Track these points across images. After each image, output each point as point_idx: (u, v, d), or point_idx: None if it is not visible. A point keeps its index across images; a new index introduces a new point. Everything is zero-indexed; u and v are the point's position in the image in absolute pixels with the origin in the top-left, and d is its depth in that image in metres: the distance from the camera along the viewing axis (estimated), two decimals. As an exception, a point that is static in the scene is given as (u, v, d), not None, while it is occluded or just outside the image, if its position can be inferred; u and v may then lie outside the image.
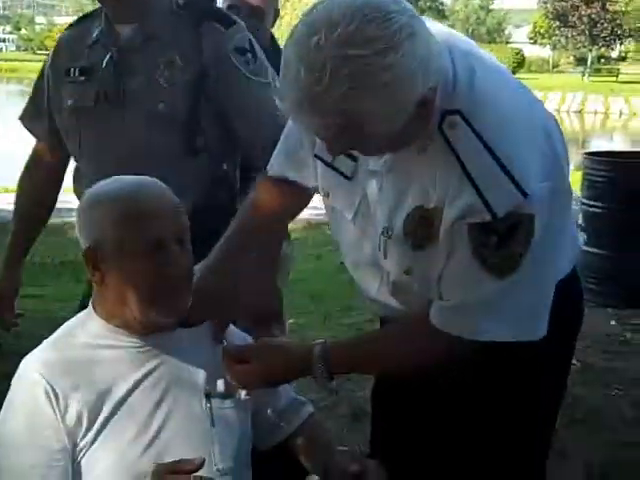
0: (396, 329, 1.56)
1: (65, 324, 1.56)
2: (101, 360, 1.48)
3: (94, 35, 2.10)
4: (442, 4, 56.83)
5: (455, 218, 1.34)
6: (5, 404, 1.46)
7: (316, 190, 1.64)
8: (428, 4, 53.85)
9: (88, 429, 1.42)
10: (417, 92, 1.22)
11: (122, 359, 1.49)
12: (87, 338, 1.50)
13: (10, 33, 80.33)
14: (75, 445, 1.42)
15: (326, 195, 1.59)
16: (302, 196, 1.71)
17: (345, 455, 1.52)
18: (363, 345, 1.56)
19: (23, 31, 78.67)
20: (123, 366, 1.48)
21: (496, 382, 1.56)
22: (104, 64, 2.04)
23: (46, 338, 1.52)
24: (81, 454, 1.43)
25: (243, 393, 1.54)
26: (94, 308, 1.53)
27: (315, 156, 1.56)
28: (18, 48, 73.11)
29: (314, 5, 1.24)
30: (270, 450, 1.63)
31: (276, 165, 1.70)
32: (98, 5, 2.11)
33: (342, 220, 1.57)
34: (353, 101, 1.19)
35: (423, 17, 1.30)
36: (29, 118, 2.28)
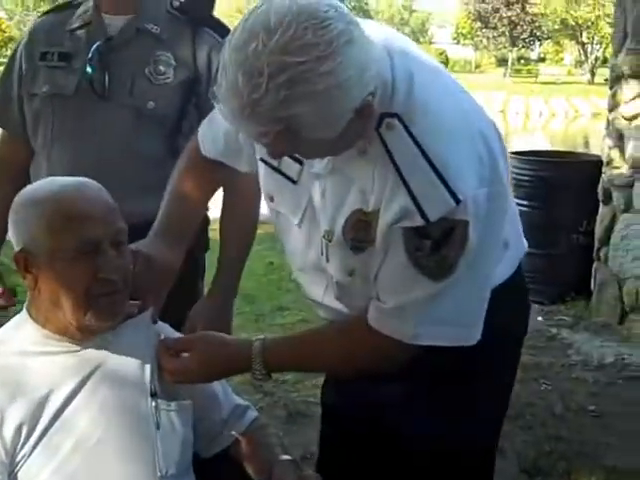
0: (336, 328, 1.56)
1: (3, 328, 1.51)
2: (37, 367, 1.43)
3: (77, 22, 2.04)
4: (366, 4, 57.22)
5: (390, 222, 1.34)
6: None
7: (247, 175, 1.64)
8: (353, 4, 54.12)
9: (26, 440, 1.38)
10: (356, 98, 1.22)
11: (59, 365, 1.44)
12: (22, 344, 1.46)
13: None
14: (13, 457, 1.38)
15: (270, 199, 1.57)
16: (230, 174, 1.70)
17: (288, 467, 1.51)
18: (302, 343, 1.55)
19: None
20: (60, 373, 1.44)
21: (439, 389, 1.56)
22: (90, 53, 1.97)
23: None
24: (18, 466, 1.39)
25: (186, 399, 1.52)
26: (28, 313, 1.49)
27: (260, 160, 1.55)
28: None
29: (252, 10, 1.23)
30: (212, 456, 1.61)
31: (208, 145, 1.67)
32: None
33: (288, 224, 1.56)
34: (291, 108, 1.18)
35: (360, 18, 1.30)
36: None
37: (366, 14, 55.87)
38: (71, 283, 1.41)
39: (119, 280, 1.44)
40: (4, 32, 52.96)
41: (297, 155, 1.44)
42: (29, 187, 1.51)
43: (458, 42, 56.18)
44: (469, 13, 48.70)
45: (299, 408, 3.39)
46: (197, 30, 2.01)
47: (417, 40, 63.28)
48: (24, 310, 1.50)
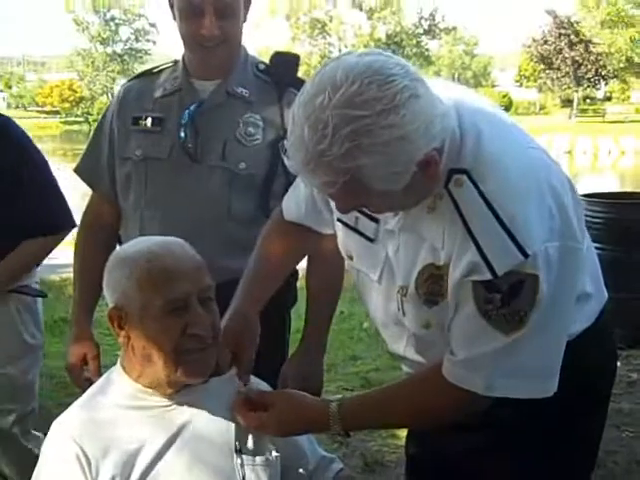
0: (410, 382, 1.58)
1: (94, 384, 1.57)
2: (131, 421, 1.48)
3: (168, 88, 2.10)
4: (427, 50, 57.55)
5: (460, 276, 1.37)
6: (36, 470, 1.47)
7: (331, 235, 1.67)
8: (414, 50, 54.50)
9: None
10: (419, 152, 1.26)
11: (151, 419, 1.49)
12: (117, 398, 1.51)
13: (1, 91, 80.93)
14: None
15: (350, 258, 1.61)
16: (315, 238, 1.74)
17: None
18: (378, 401, 1.57)
19: (14, 89, 79.26)
20: (152, 428, 1.48)
21: (521, 439, 1.56)
22: (184, 118, 2.03)
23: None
24: None
25: (274, 452, 1.55)
26: (122, 367, 1.54)
27: (338, 220, 1.60)
28: (9, 105, 73.60)
29: (322, 67, 1.30)
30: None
31: (291, 209, 1.73)
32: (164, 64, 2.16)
33: (368, 281, 1.59)
34: (355, 159, 1.23)
35: (434, 78, 1.37)
36: (87, 169, 2.23)
37: (427, 60, 56.20)
38: (161, 340, 1.46)
39: (208, 336, 1.48)
40: (75, 92, 54.87)
41: (367, 211, 1.47)
42: (122, 247, 1.58)
43: (521, 85, 55.94)
44: (532, 55, 48.50)
45: (375, 457, 3.37)
46: (283, 91, 2.06)
47: (479, 84, 63.25)
48: (118, 364, 1.56)
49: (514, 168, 1.36)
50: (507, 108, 40.12)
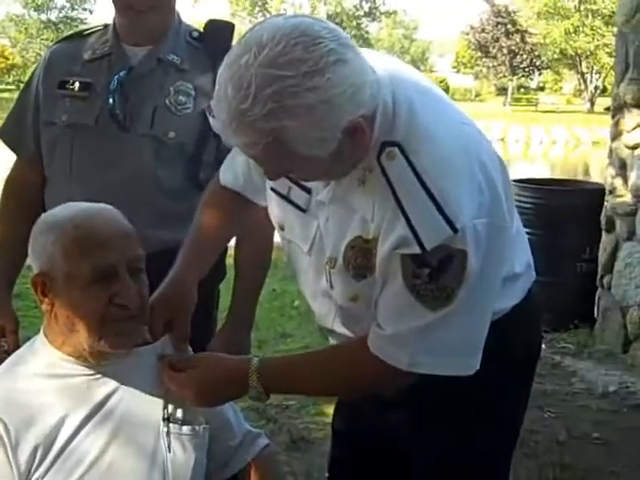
0: (336, 349, 1.57)
1: (15, 353, 1.53)
2: (52, 390, 1.44)
3: (97, 52, 2.04)
4: (367, 32, 57.58)
5: (389, 249, 1.36)
6: None
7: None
8: (353, 32, 54.47)
9: (40, 462, 1.39)
10: (344, 118, 1.25)
11: (75, 389, 1.45)
12: (38, 367, 1.47)
13: None
14: (27, 479, 1.39)
15: (281, 228, 1.60)
16: (252, 209, 1.72)
17: None
18: (301, 363, 1.56)
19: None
20: (75, 397, 1.45)
21: (448, 407, 1.57)
22: (112, 84, 1.97)
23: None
24: None
25: (203, 424, 1.52)
26: (45, 336, 1.50)
27: (271, 189, 1.57)
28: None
29: (250, 28, 1.29)
30: (222, 481, 1.61)
31: (228, 177, 1.70)
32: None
33: (298, 252, 1.57)
34: (277, 120, 1.22)
35: (361, 47, 1.34)
36: (11, 134, 2.16)
37: (366, 42, 56.25)
38: (86, 308, 1.42)
39: (135, 306, 1.44)
40: (7, 59, 53.28)
41: (298, 180, 1.46)
42: (48, 212, 1.52)
43: (458, 71, 56.56)
44: (469, 42, 49.06)
45: (302, 434, 3.39)
46: (217, 59, 2.02)
47: (417, 69, 63.66)
48: (41, 333, 1.51)
49: (447, 143, 1.35)
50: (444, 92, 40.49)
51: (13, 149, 2.17)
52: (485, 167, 1.37)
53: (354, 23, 53.78)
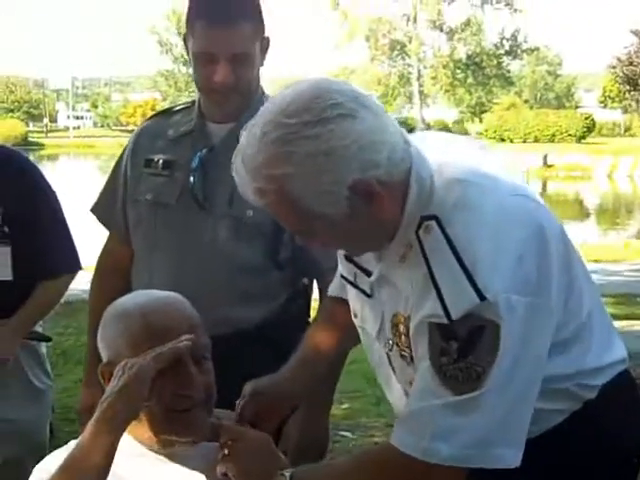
0: (363, 455, 1.49)
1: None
2: (125, 467, 1.42)
3: (181, 129, 2.07)
4: (509, 71, 56.81)
5: (418, 321, 1.30)
6: None
7: None
8: (494, 71, 53.89)
9: None
10: (349, 174, 1.24)
11: (143, 468, 1.44)
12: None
13: (88, 111, 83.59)
14: None
15: (355, 315, 1.56)
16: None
17: None
18: (331, 476, 1.44)
19: (100, 108, 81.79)
20: (146, 476, 1.44)
21: None
22: (194, 162, 1.99)
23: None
24: None
25: None
26: None
27: (342, 277, 1.56)
28: (95, 125, 75.93)
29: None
30: None
31: (334, 287, 1.71)
32: (186, 98, 2.17)
33: (369, 339, 1.52)
34: (279, 167, 1.24)
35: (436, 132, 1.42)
36: (103, 209, 2.21)
37: (507, 81, 55.53)
38: (153, 400, 1.39)
39: (199, 398, 1.42)
40: (159, 112, 56.13)
41: (359, 263, 1.46)
42: (117, 301, 1.52)
43: (605, 105, 54.74)
44: (616, 76, 47.51)
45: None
46: None
47: (562, 105, 62.16)
48: None
49: (488, 213, 1.29)
50: (590, 130, 39.23)
51: (105, 224, 2.22)
52: (537, 243, 1.29)
53: (495, 62, 53.21)
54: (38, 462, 2.28)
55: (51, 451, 2.39)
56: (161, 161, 2.05)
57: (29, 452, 2.34)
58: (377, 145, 1.26)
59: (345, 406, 4.36)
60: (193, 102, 2.12)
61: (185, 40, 2.02)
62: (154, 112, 2.34)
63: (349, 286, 1.55)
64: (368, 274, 1.46)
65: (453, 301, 1.25)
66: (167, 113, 2.18)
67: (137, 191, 2.08)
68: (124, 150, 2.18)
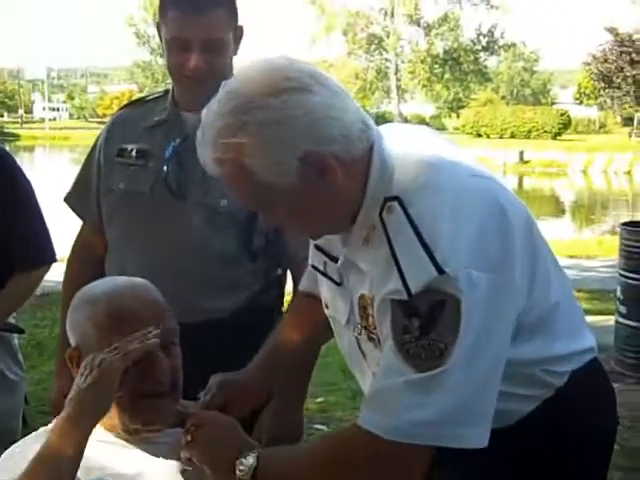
0: (329, 437, 1.53)
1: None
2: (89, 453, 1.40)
3: (155, 118, 2.06)
4: (485, 67, 57.01)
5: (380, 299, 1.31)
6: None
7: None
8: (471, 67, 54.08)
9: None
10: (300, 144, 1.28)
11: (107, 454, 1.44)
12: None
13: (64, 102, 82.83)
14: None
15: (326, 306, 1.56)
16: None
17: None
18: (294, 463, 1.42)
19: (76, 100, 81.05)
20: (111, 462, 1.43)
21: None
22: (168, 152, 1.98)
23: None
24: None
25: None
26: None
27: (312, 266, 1.57)
28: (71, 116, 75.26)
29: None
30: None
31: (303, 280, 1.73)
32: (156, 88, 2.16)
33: (340, 329, 1.52)
34: (234, 135, 1.28)
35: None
36: (75, 198, 2.20)
37: (484, 77, 55.75)
38: (119, 385, 1.39)
39: (167, 382, 1.43)
40: (135, 104, 55.66)
41: (324, 248, 1.48)
42: (85, 287, 1.53)
43: (581, 102, 55.13)
44: (591, 73, 47.83)
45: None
46: None
47: (538, 101, 62.51)
48: None
49: (449, 192, 1.32)
50: (566, 126, 39.45)
51: (78, 214, 2.22)
52: (498, 221, 1.31)
53: (472, 58, 53.38)
54: None
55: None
56: (135, 150, 2.04)
57: (1, 443, 2.33)
58: (331, 121, 1.29)
59: (320, 399, 4.37)
60: (166, 91, 2.11)
61: (158, 28, 2.01)
62: (127, 102, 2.32)
63: (320, 276, 1.56)
64: (335, 261, 1.47)
65: (412, 276, 1.26)
66: (140, 102, 2.18)
67: (110, 181, 2.07)
68: (97, 139, 2.17)
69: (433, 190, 1.33)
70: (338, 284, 1.48)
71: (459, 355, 1.25)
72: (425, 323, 1.26)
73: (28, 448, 1.38)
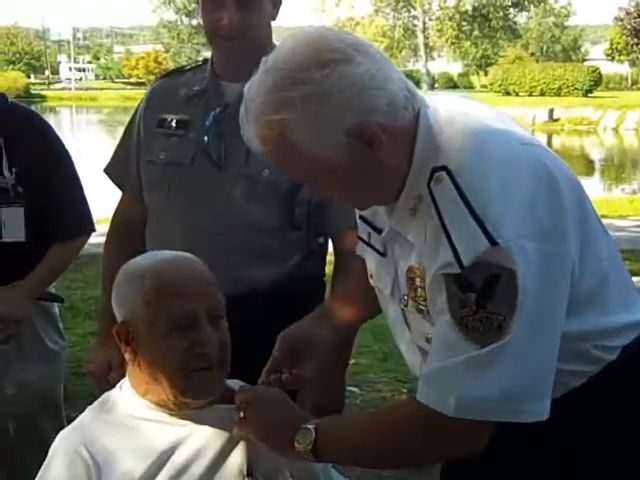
0: (384, 411, 1.49)
1: (106, 393, 1.56)
2: (132, 436, 1.45)
3: (194, 88, 2.03)
4: (515, 23, 56.04)
5: (433, 273, 1.28)
6: (43, 469, 1.45)
7: None
8: (500, 24, 53.18)
9: None
10: (346, 117, 1.25)
11: (151, 436, 1.46)
12: (121, 412, 1.49)
13: (89, 62, 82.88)
14: None
15: (371, 276, 1.55)
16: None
17: None
18: (352, 433, 1.42)
19: (102, 60, 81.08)
20: (152, 446, 1.45)
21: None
22: (208, 122, 1.96)
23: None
24: None
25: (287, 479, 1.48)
26: (130, 382, 1.52)
27: (358, 237, 1.55)
28: (97, 77, 75.33)
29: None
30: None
31: (358, 246, 1.70)
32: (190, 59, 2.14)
33: (384, 299, 1.51)
34: (276, 112, 1.25)
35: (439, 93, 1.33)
36: (116, 169, 2.19)
37: (514, 33, 54.85)
38: (167, 358, 1.42)
39: (214, 356, 1.44)
40: (160, 64, 55.75)
41: (370, 220, 1.47)
42: (130, 262, 1.53)
43: (613, 58, 54.14)
44: (624, 28, 46.86)
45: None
46: None
47: (569, 58, 61.48)
48: (126, 378, 1.53)
49: (497, 160, 1.28)
50: (597, 83, 38.78)
51: (118, 184, 2.20)
52: (549, 190, 1.27)
53: (501, 14, 52.48)
54: (53, 422, 2.35)
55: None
56: (174, 121, 2.01)
57: (44, 412, 2.36)
58: (376, 91, 1.26)
59: (352, 362, 4.37)
60: (205, 61, 2.09)
61: None
62: (163, 72, 2.29)
63: (365, 247, 1.54)
64: (379, 232, 1.46)
65: (464, 247, 1.23)
66: (179, 72, 2.15)
67: (151, 151, 2.05)
68: (136, 110, 2.15)
69: (482, 158, 1.29)
70: (382, 255, 1.47)
71: (518, 328, 1.23)
72: (481, 297, 1.23)
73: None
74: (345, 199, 1.44)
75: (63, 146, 2.37)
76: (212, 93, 2.01)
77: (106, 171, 2.21)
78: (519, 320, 1.23)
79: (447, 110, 1.37)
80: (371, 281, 1.55)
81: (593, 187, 14.45)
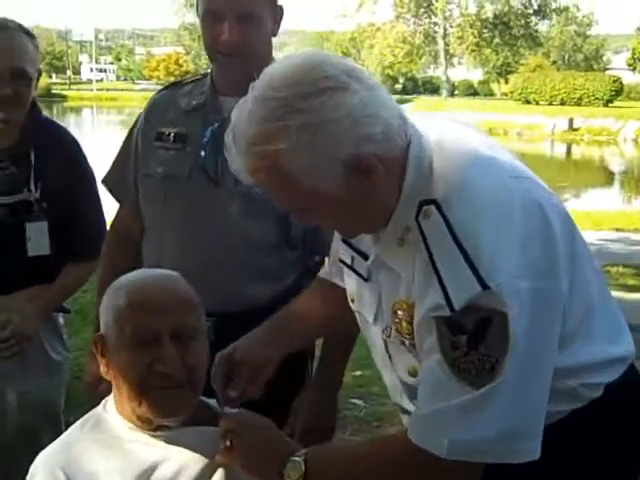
0: (381, 445, 1.42)
1: (92, 410, 1.55)
2: (108, 454, 1.45)
3: (193, 102, 2.02)
4: (536, 31, 55.82)
5: (423, 313, 1.25)
6: None
7: None
8: (521, 32, 52.97)
9: None
10: (343, 148, 1.21)
11: (126, 454, 1.45)
12: (109, 428, 1.49)
13: (111, 63, 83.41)
14: None
15: (352, 300, 1.52)
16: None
17: None
18: (343, 463, 1.39)
19: (123, 61, 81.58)
20: (125, 461, 1.44)
21: None
22: (205, 136, 1.94)
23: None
24: None
25: None
26: (113, 397, 1.51)
27: (339, 260, 1.52)
28: (118, 78, 75.79)
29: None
30: None
31: (326, 267, 1.70)
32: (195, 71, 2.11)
33: (367, 325, 1.47)
34: (269, 143, 1.20)
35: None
36: (114, 181, 2.17)
37: (535, 41, 54.61)
38: (128, 371, 1.42)
39: (178, 375, 1.42)
40: (181, 66, 56.02)
41: (355, 245, 1.43)
42: (122, 276, 1.53)
43: (634, 68, 53.79)
44: (646, 38, 46.56)
45: None
46: None
47: (590, 67, 61.13)
48: (112, 395, 1.53)
49: (488, 196, 1.24)
50: (618, 93, 38.51)
51: (115, 196, 2.19)
52: (542, 229, 1.24)
53: (522, 22, 52.29)
54: (52, 431, 2.32)
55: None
56: (172, 134, 2.00)
57: (44, 422, 2.34)
58: (371, 119, 1.22)
59: (357, 374, 4.32)
60: (204, 75, 2.07)
61: (197, 6, 1.96)
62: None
63: (347, 270, 1.51)
64: (365, 257, 1.43)
65: (455, 290, 1.20)
66: (179, 84, 2.13)
67: (148, 165, 2.03)
68: (135, 122, 2.14)
69: (472, 194, 1.25)
70: (366, 280, 1.44)
71: (511, 369, 1.20)
72: (472, 339, 1.21)
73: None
74: (336, 228, 1.42)
75: (87, 163, 2.36)
76: (211, 108, 1.99)
77: (104, 182, 2.19)
78: (511, 361, 1.20)
79: (438, 135, 1.33)
80: (352, 305, 1.52)
81: (612, 199, 14.33)
